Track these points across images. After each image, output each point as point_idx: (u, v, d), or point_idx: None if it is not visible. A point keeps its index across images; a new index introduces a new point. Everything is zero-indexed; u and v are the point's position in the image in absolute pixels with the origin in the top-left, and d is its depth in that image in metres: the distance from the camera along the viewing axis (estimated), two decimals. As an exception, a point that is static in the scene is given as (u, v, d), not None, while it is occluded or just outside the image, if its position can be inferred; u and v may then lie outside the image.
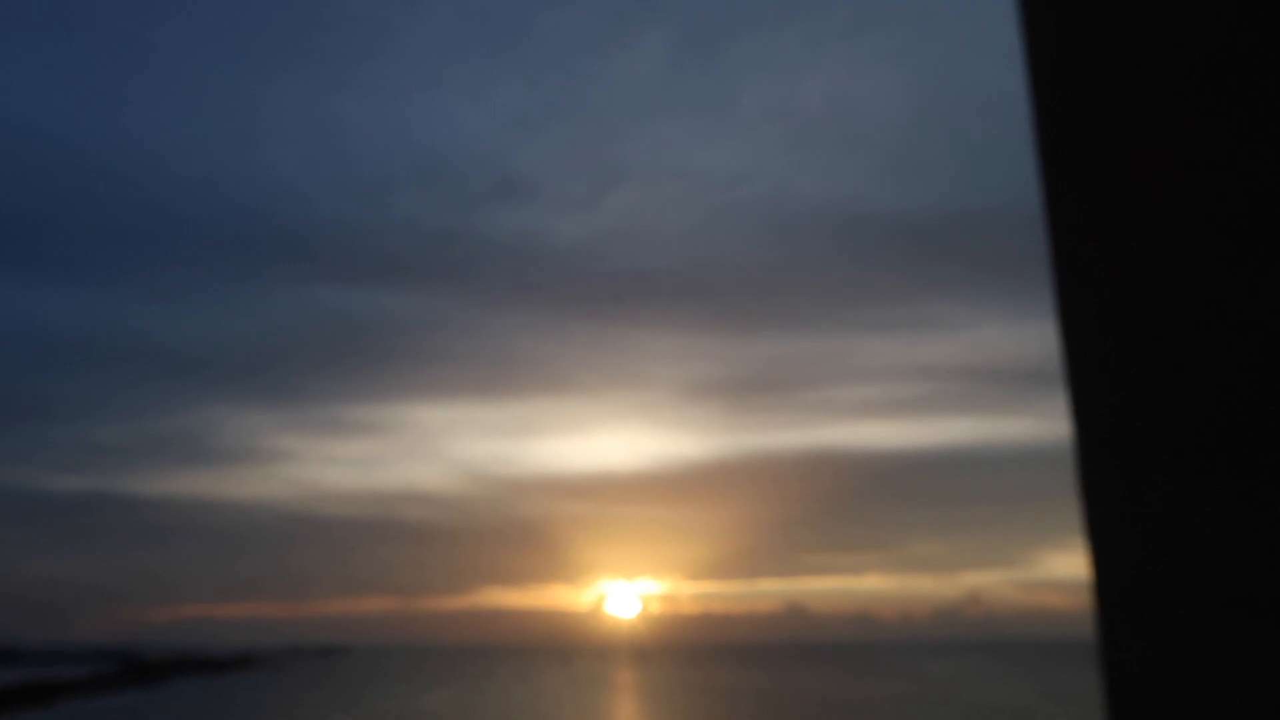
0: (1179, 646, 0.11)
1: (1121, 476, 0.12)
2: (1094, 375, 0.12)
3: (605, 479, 28.07)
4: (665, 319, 23.12)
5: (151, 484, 24.45)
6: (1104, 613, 0.12)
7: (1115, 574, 0.12)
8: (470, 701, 7.26)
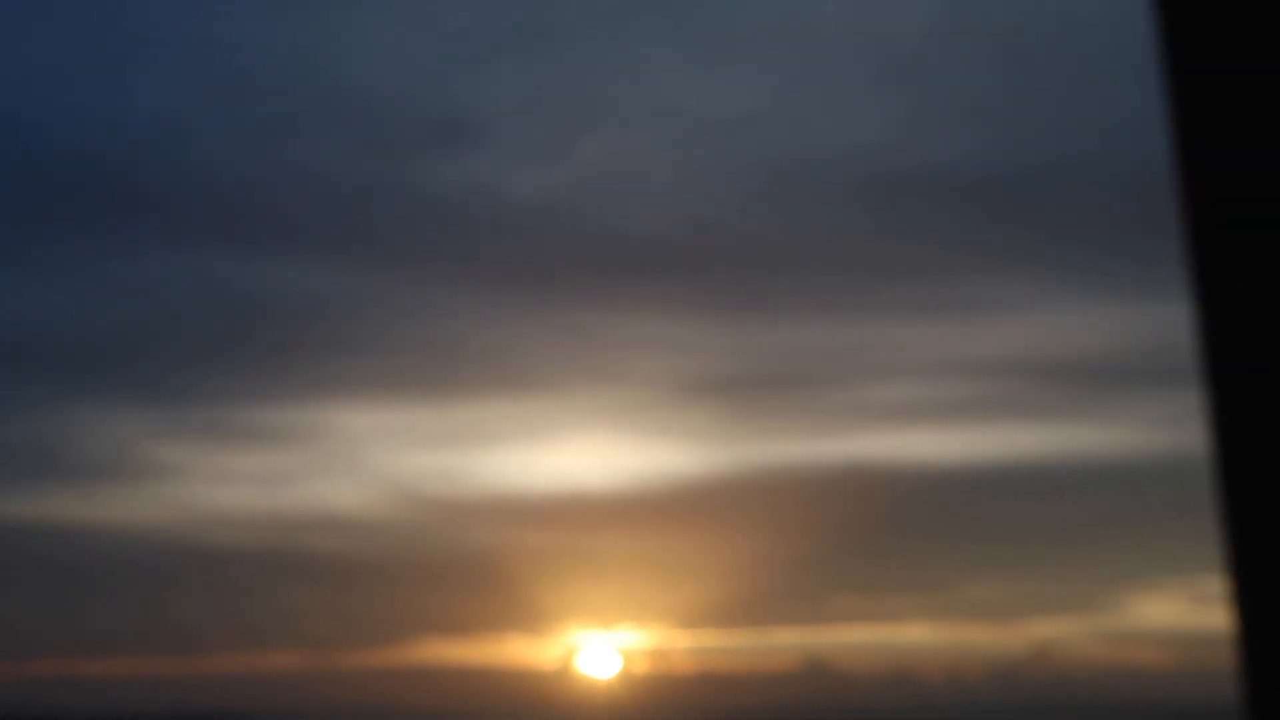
0: None
1: (1273, 496, 0.12)
2: (1241, 374, 0.13)
3: (575, 501, 27.57)
4: (651, 298, 22.49)
5: None
6: (1251, 669, 0.12)
7: (1265, 619, 0.12)
8: None
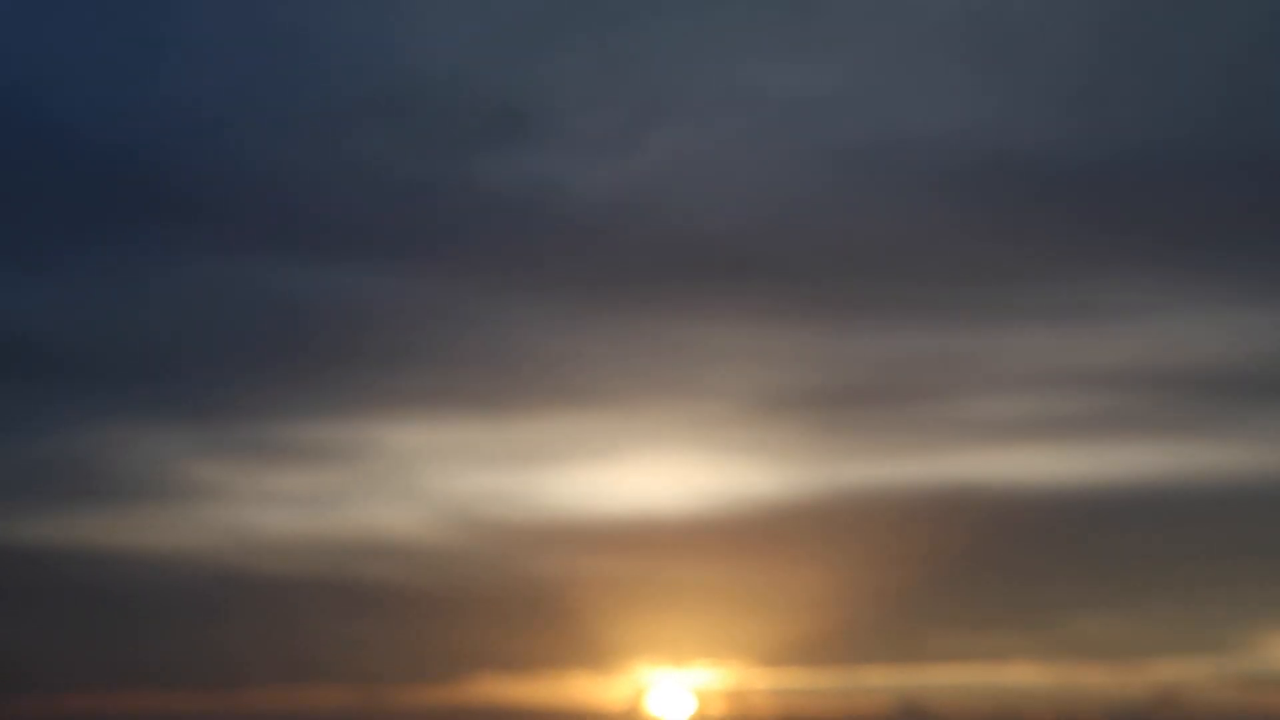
0: None
1: None
2: None
3: (646, 525, 27.37)
4: (728, 304, 22.16)
5: (22, 528, 24.04)
6: None
7: None
8: None
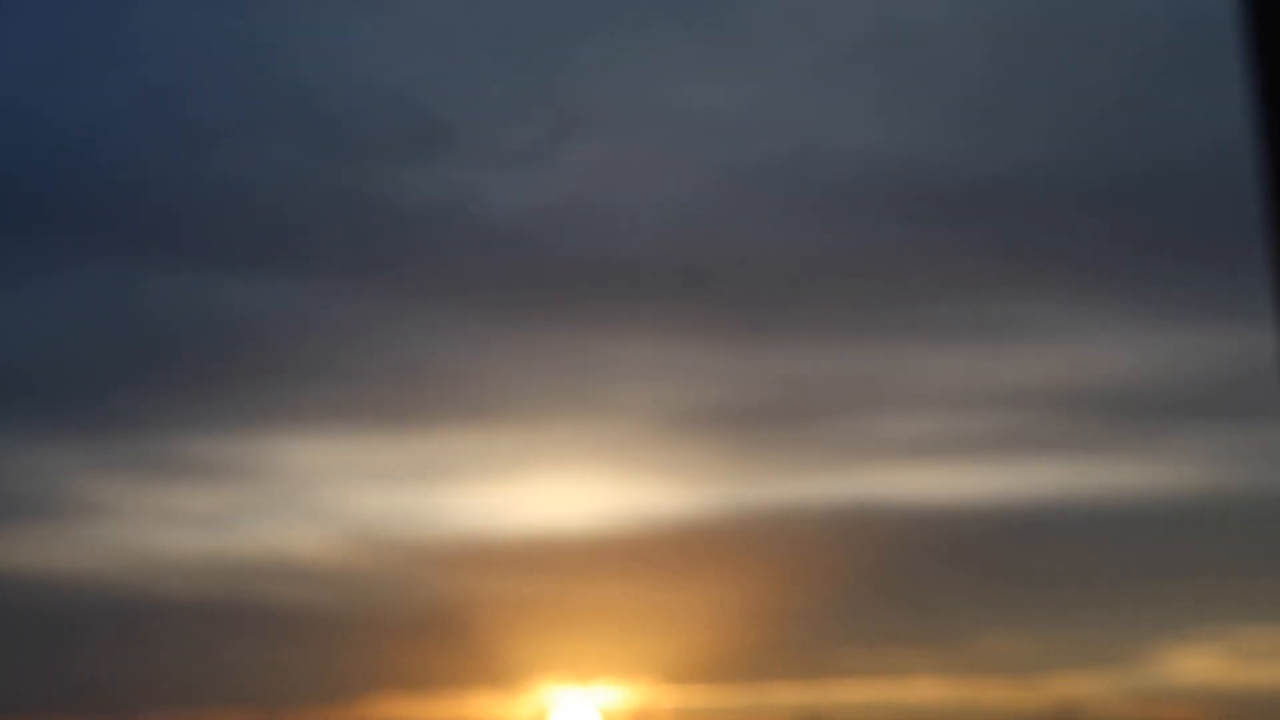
0: None
1: None
2: None
3: (551, 544, 27.49)
4: (641, 321, 22.42)
5: None
6: None
7: None
8: None
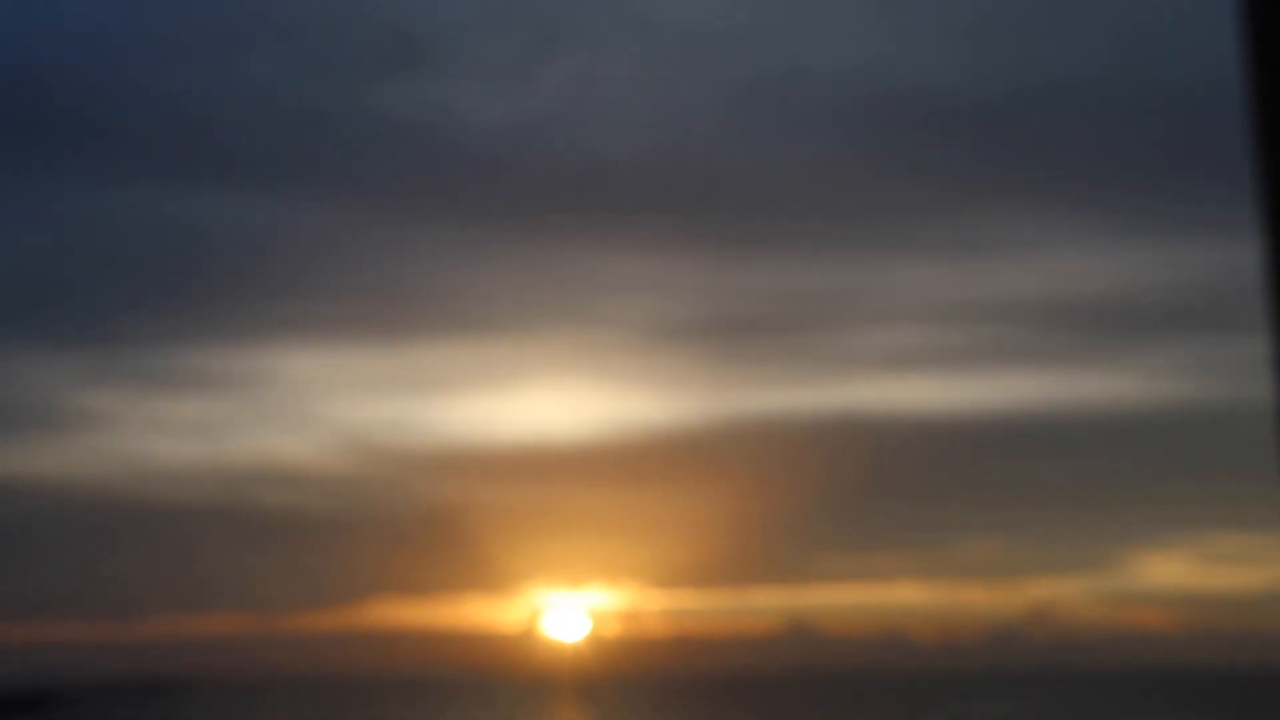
0: None
1: None
2: None
3: (542, 452, 28.10)
4: (626, 235, 22.96)
5: None
6: None
7: None
8: None
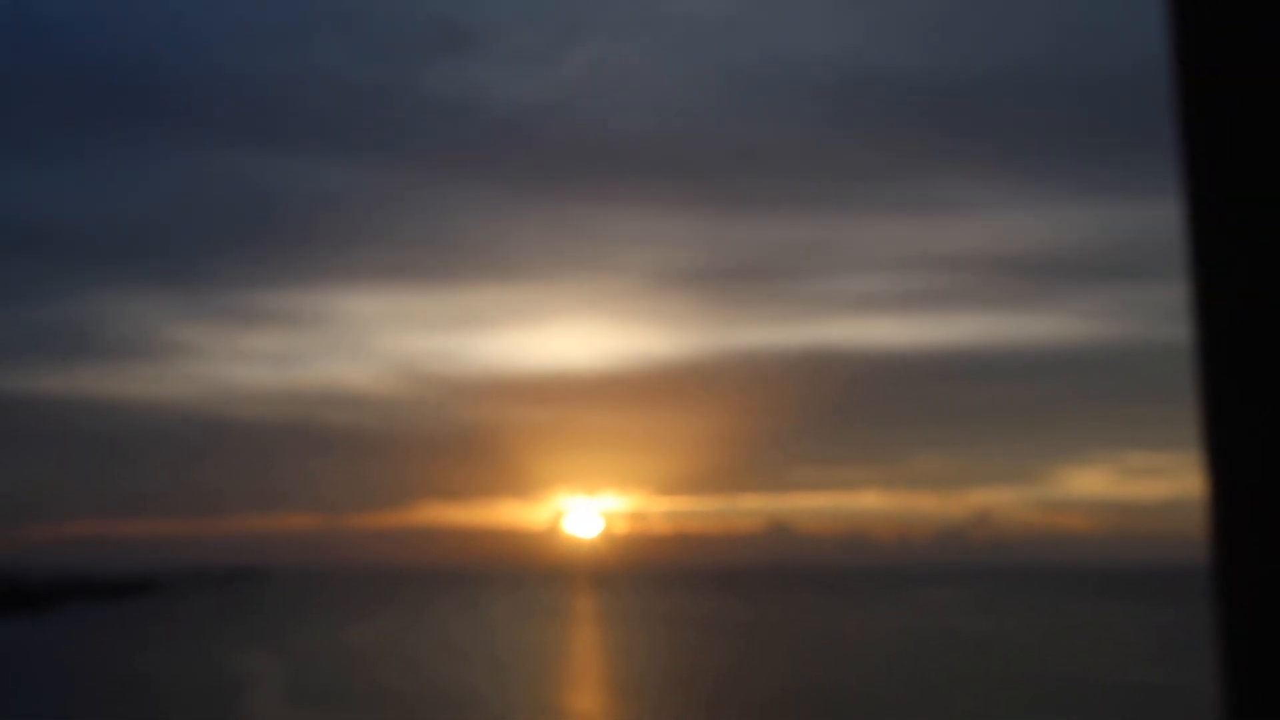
0: None
1: (1248, 382, 0.13)
2: (1226, 262, 0.13)
3: (563, 380, 31.40)
4: (635, 195, 26.12)
5: (28, 382, 26.96)
6: (1221, 537, 0.13)
7: (1236, 493, 0.13)
8: (405, 635, 7.66)
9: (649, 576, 29.46)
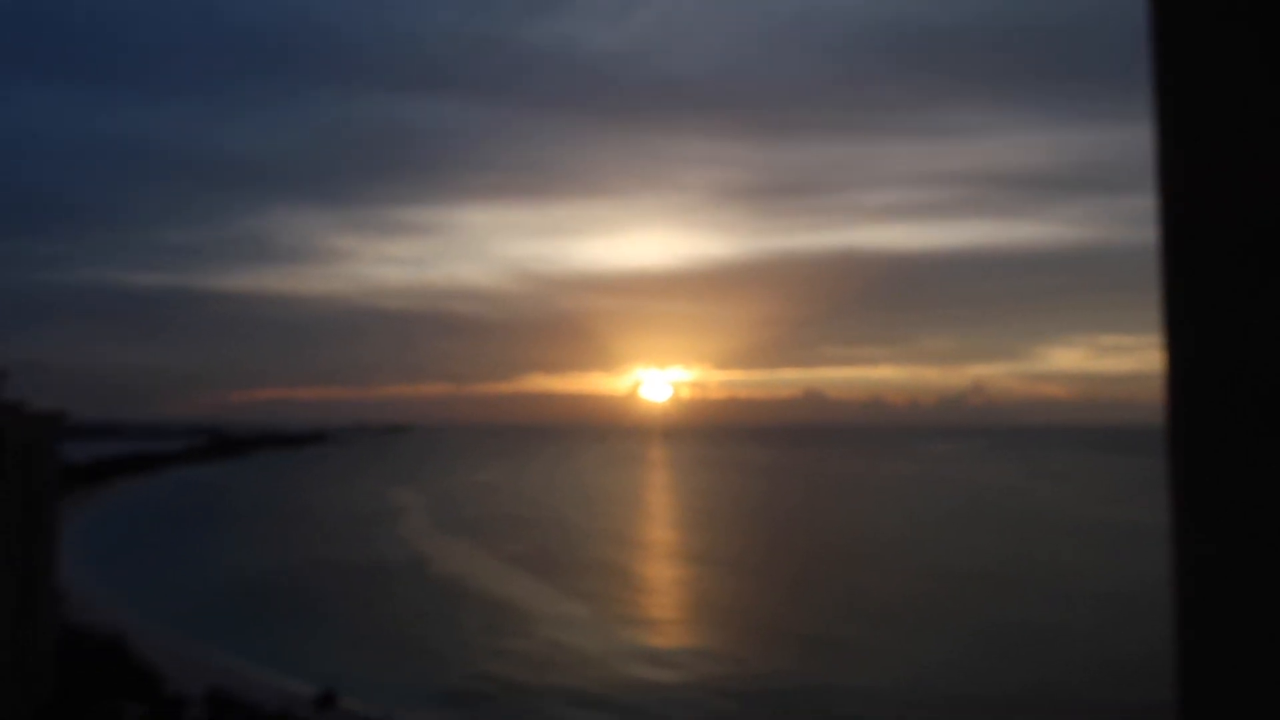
0: (1255, 429, 0.13)
1: (1201, 277, 0.14)
2: (1186, 177, 0.14)
3: (639, 276, 40.66)
4: (696, 126, 34.82)
5: (223, 280, 36.83)
6: (1175, 403, 0.14)
7: (1191, 366, 0.13)
8: (520, 473, 11.49)
9: (707, 432, 36.64)
